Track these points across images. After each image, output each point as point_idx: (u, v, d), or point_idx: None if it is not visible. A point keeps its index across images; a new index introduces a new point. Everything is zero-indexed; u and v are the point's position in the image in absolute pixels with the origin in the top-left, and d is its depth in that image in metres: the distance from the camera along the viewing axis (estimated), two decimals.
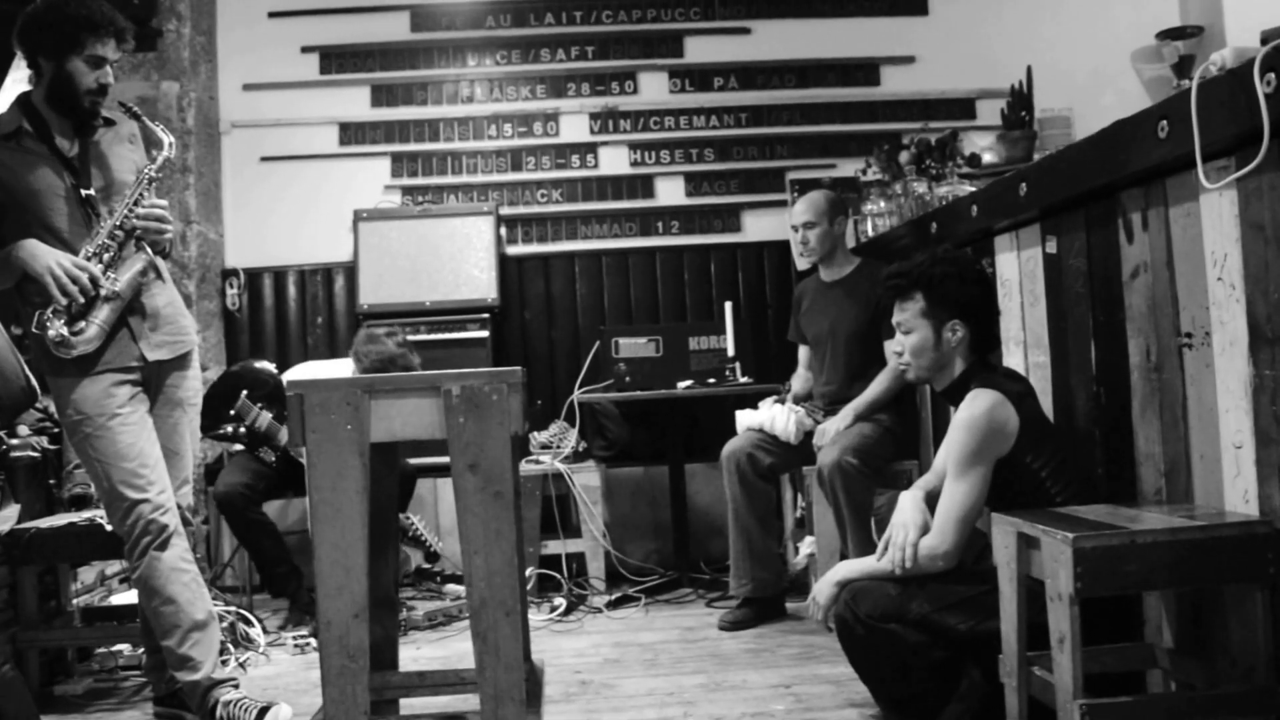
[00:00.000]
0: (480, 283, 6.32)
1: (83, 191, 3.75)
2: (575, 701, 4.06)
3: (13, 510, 4.32)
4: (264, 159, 6.76)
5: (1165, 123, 2.91)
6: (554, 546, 5.76)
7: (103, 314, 3.65)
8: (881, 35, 6.96)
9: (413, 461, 5.57)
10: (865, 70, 6.97)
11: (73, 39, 3.67)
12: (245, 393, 5.45)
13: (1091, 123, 3.73)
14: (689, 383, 5.78)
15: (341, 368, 5.63)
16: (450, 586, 5.82)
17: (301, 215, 6.72)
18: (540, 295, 6.79)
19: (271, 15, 6.81)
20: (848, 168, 6.62)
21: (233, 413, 5.43)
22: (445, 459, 3.21)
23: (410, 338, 5.99)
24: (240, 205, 6.75)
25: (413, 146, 6.82)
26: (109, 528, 4.00)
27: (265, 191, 6.76)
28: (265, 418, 5.39)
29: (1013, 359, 4.15)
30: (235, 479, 5.27)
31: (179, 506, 3.84)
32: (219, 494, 5.27)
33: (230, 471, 5.36)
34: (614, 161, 6.90)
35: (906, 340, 3.53)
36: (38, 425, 4.75)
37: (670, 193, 6.90)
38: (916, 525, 3.36)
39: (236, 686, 3.81)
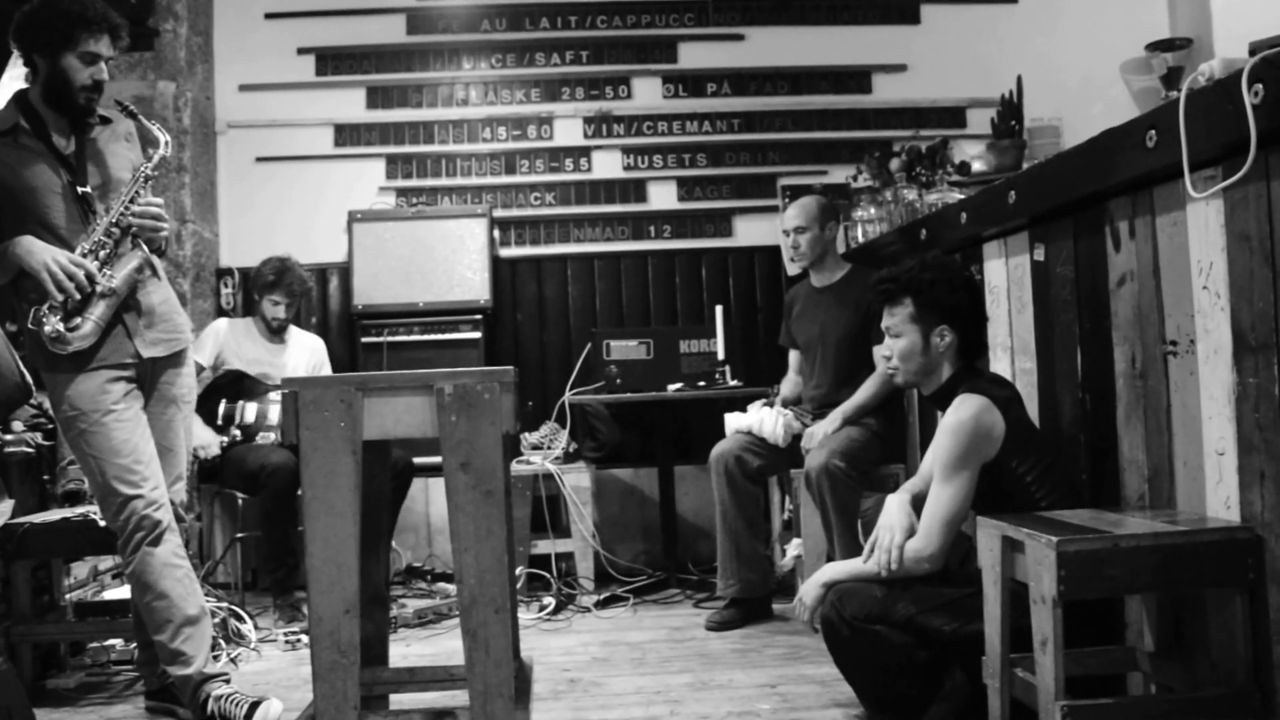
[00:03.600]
0: (473, 284, 6.35)
1: (79, 189, 3.77)
2: (563, 699, 4.08)
3: (7, 505, 4.34)
4: (259, 159, 6.79)
5: (1153, 132, 2.94)
6: (544, 546, 5.79)
7: (98, 310, 3.67)
8: (874, 44, 7.01)
9: None
10: (857, 78, 7.01)
11: (66, 35, 3.69)
12: (224, 400, 5.64)
13: (1081, 132, 3.77)
14: (679, 385, 5.81)
15: (248, 325, 6.02)
16: (440, 585, 5.85)
17: (296, 216, 6.74)
18: (533, 297, 6.82)
19: (268, 16, 6.84)
20: (839, 174, 6.67)
21: (220, 421, 5.53)
22: (436, 458, 3.24)
23: (403, 338, 6.14)
24: (235, 205, 6.78)
25: (407, 148, 6.85)
26: (102, 523, 4.02)
27: (260, 192, 6.78)
28: (251, 408, 5.60)
29: (1000, 365, 4.19)
30: (284, 457, 5.28)
31: (172, 503, 3.86)
32: (276, 466, 5.23)
33: (268, 451, 5.39)
34: (607, 165, 6.93)
35: (895, 345, 3.56)
36: (32, 421, 4.76)
37: (663, 197, 6.94)
38: (902, 528, 3.39)
39: (228, 681, 3.83)
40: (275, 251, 5.97)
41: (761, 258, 6.85)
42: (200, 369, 5.47)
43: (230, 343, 5.81)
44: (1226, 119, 2.62)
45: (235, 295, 6.58)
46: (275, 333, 5.93)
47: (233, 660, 4.66)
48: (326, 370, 6.07)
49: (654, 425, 6.20)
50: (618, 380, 5.88)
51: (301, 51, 6.85)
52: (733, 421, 5.30)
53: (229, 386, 5.69)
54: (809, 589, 3.55)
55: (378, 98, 6.88)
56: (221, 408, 5.61)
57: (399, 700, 3.89)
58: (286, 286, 5.87)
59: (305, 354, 6.01)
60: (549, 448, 5.97)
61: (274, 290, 5.86)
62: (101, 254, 3.70)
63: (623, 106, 6.94)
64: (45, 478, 4.91)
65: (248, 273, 6.63)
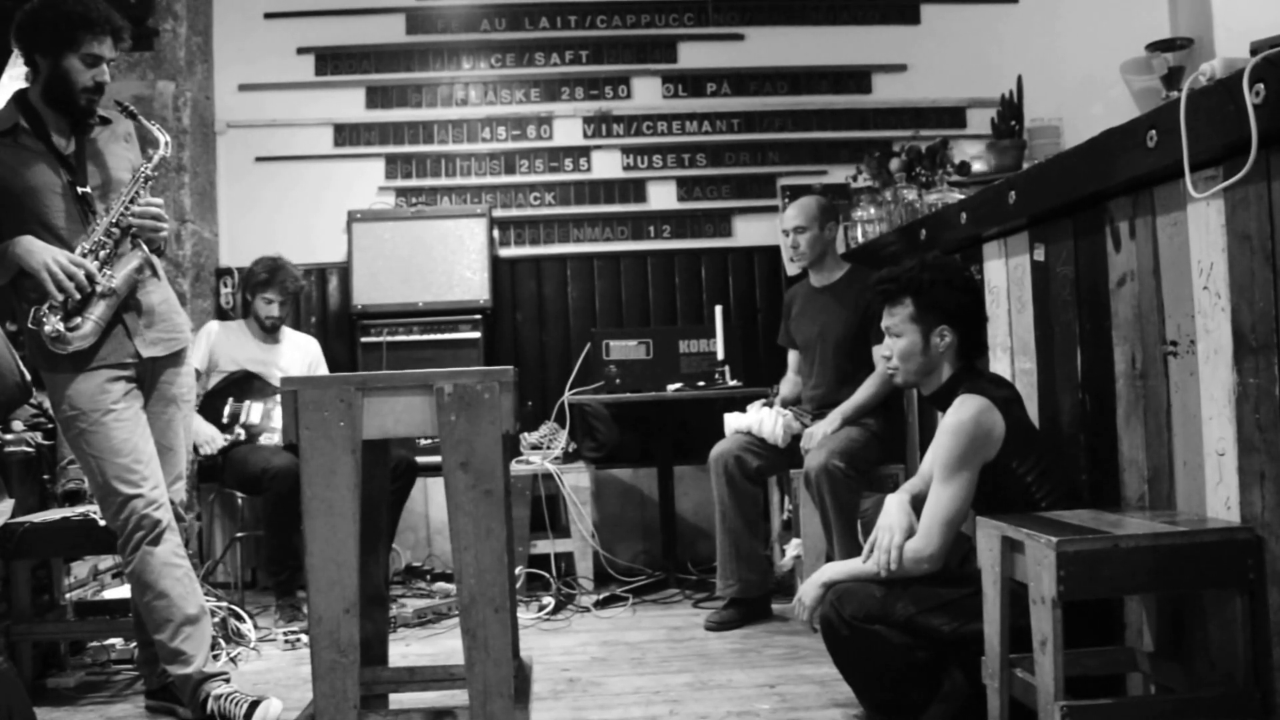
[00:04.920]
0: (473, 284, 6.36)
1: (79, 189, 3.77)
2: (563, 699, 4.09)
3: (7, 505, 4.34)
4: (259, 159, 6.78)
5: (1154, 132, 2.94)
6: (543, 546, 5.78)
7: (98, 310, 3.67)
8: (873, 43, 7.00)
9: None
10: (857, 78, 7.01)
11: (69, 37, 3.69)
12: (230, 400, 5.65)
13: (1081, 132, 3.77)
14: (679, 385, 5.81)
15: (240, 326, 6.05)
16: (440, 585, 5.85)
17: (296, 215, 6.74)
18: (532, 297, 6.82)
19: (268, 16, 6.83)
20: (839, 174, 6.67)
21: (225, 420, 5.54)
22: (436, 458, 3.24)
23: (403, 338, 6.15)
24: (235, 205, 6.77)
25: (407, 148, 6.85)
26: (102, 523, 4.02)
27: (260, 191, 6.78)
28: (257, 408, 5.57)
29: (999, 365, 4.19)
30: (286, 460, 5.25)
31: (172, 502, 3.86)
32: (279, 470, 5.20)
33: (270, 454, 5.38)
34: (607, 165, 6.93)
35: (895, 345, 3.56)
36: (32, 421, 4.76)
37: (662, 197, 6.93)
38: (902, 528, 3.39)
39: (228, 681, 3.84)
40: (275, 251, 5.99)
41: (761, 258, 6.85)
42: (197, 374, 5.48)
43: (223, 344, 5.81)
44: (1227, 119, 2.61)
45: (235, 295, 6.57)
46: (269, 332, 5.93)
47: (232, 660, 4.66)
48: (322, 371, 6.07)
49: (653, 425, 6.21)
50: (617, 380, 5.88)
51: (301, 51, 6.84)
52: (732, 421, 5.30)
53: (234, 386, 5.69)
54: (808, 589, 3.55)
55: (377, 97, 6.88)
56: (227, 407, 5.62)
57: (399, 700, 3.89)
58: (280, 284, 5.89)
59: (300, 354, 6.02)
60: (548, 447, 5.97)
61: (267, 288, 5.89)
62: (101, 254, 3.70)
63: (622, 106, 6.94)
64: (45, 477, 4.90)
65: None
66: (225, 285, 6.60)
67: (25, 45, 3.76)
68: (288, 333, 6.08)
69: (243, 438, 5.51)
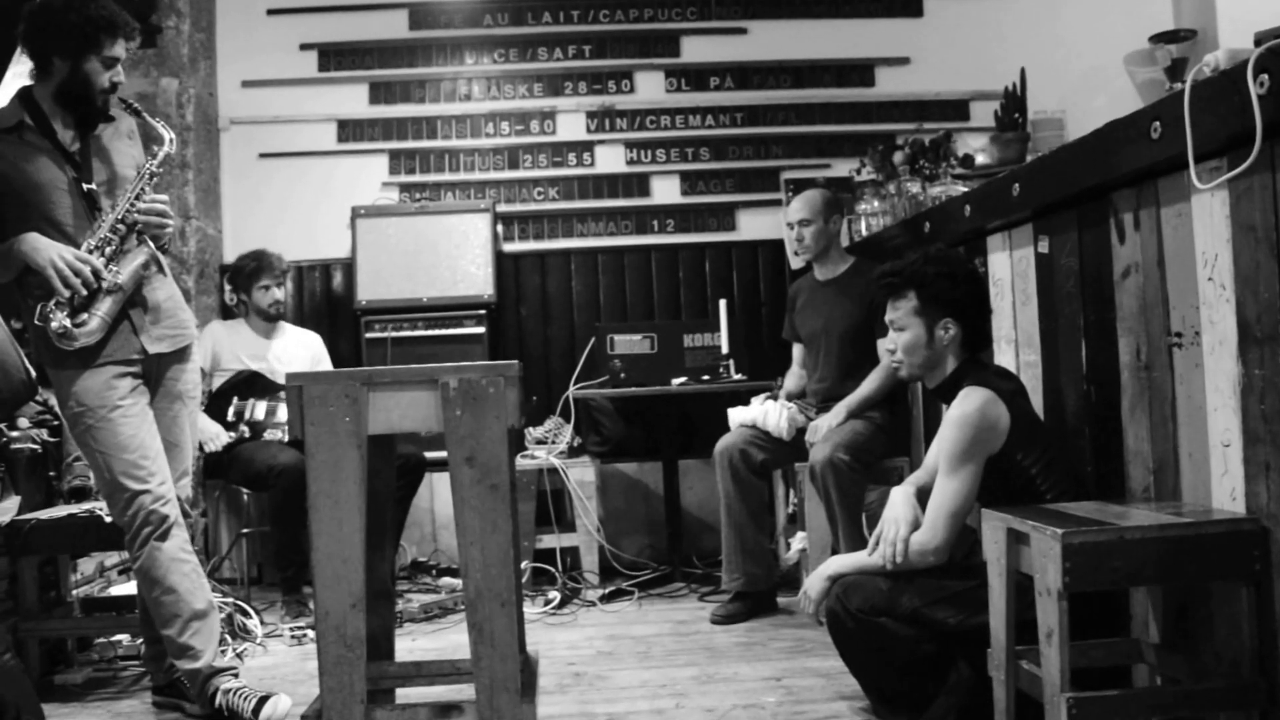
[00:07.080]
0: (477, 279, 6.36)
1: (84, 185, 3.78)
2: (569, 693, 4.09)
3: (13, 502, 4.35)
4: (262, 155, 6.79)
5: (1158, 124, 2.94)
6: (549, 540, 5.80)
7: (104, 306, 3.68)
8: (877, 36, 6.99)
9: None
10: (860, 71, 7.00)
11: (92, 40, 3.70)
12: (235, 399, 5.65)
13: (1084, 125, 3.75)
14: (683, 379, 5.81)
15: (241, 324, 6.03)
16: (445, 580, 5.86)
17: (300, 212, 6.74)
18: (536, 292, 6.82)
19: (270, 12, 6.83)
20: (842, 168, 6.66)
21: (230, 418, 5.55)
22: (441, 453, 3.24)
23: (407, 333, 6.15)
24: (239, 201, 6.78)
25: (410, 144, 6.85)
26: (108, 519, 4.04)
27: (264, 188, 6.78)
28: (261, 406, 5.59)
29: (1004, 357, 4.19)
30: (292, 457, 5.24)
31: (179, 498, 3.87)
32: (285, 466, 5.19)
33: (276, 450, 5.38)
34: (610, 160, 6.93)
35: (899, 338, 3.56)
36: (38, 418, 4.77)
37: (666, 191, 6.93)
38: (907, 521, 3.39)
39: (236, 676, 3.85)
40: (279, 247, 5.99)
41: (765, 251, 6.85)
42: (202, 373, 5.49)
43: (225, 341, 5.81)
44: (1232, 110, 2.61)
45: (233, 295, 6.57)
46: (274, 320, 5.94)
47: (239, 655, 4.67)
48: (326, 366, 6.06)
49: (658, 419, 6.20)
50: (622, 374, 5.88)
51: (304, 47, 6.84)
52: (737, 415, 5.30)
53: (239, 387, 5.69)
54: (814, 582, 3.56)
55: (380, 93, 6.88)
56: (231, 407, 5.63)
57: (405, 694, 3.89)
58: (269, 268, 5.90)
59: (303, 350, 6.00)
60: (553, 442, 5.98)
61: (260, 276, 5.90)
62: (107, 250, 3.71)
63: (625, 101, 6.94)
64: (51, 474, 4.92)
65: None
66: (229, 282, 6.60)
67: (42, 46, 3.75)
68: (291, 328, 6.08)
69: (247, 435, 5.52)
